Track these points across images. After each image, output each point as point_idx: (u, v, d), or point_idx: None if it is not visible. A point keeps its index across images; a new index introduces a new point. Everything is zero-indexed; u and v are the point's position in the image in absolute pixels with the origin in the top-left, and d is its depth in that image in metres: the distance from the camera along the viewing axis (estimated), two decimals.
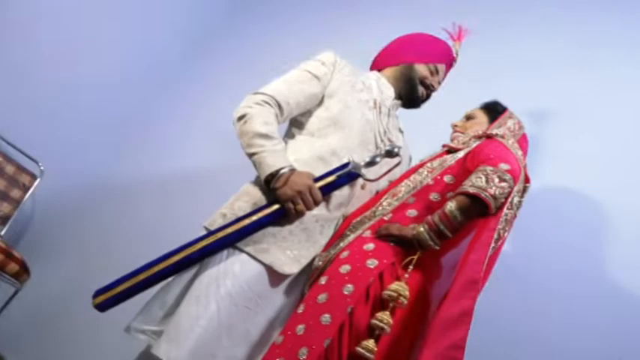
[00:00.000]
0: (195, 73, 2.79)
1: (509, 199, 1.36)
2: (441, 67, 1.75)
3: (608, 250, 2.03)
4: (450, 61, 1.78)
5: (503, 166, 1.36)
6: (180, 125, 2.74)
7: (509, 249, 2.04)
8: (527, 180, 1.45)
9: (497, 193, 1.33)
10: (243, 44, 2.80)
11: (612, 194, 2.08)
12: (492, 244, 1.33)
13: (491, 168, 1.36)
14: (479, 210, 1.36)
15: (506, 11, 2.44)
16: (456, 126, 1.72)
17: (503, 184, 1.34)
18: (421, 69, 1.71)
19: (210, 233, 1.44)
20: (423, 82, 1.71)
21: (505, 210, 1.36)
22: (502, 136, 1.53)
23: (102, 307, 1.39)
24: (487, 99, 1.80)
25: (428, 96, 1.76)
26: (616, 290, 1.97)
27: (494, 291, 1.83)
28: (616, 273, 1.99)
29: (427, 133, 1.83)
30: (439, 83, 1.77)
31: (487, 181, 1.34)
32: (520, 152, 1.51)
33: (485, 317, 1.90)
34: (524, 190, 1.45)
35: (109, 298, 1.39)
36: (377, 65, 1.80)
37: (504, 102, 1.77)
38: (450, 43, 1.80)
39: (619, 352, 1.89)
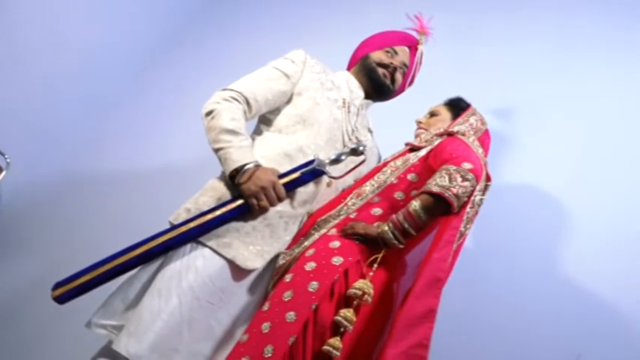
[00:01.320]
0: (168, 68, 2.77)
1: (472, 198, 1.39)
2: (401, 48, 1.78)
3: (569, 248, 2.08)
4: (411, 44, 1.81)
5: (466, 165, 1.39)
6: (150, 120, 2.72)
7: (472, 246, 2.09)
8: (488, 178, 1.48)
9: (460, 192, 1.36)
10: (217, 41, 2.79)
11: (575, 193, 2.13)
12: (455, 243, 1.36)
13: (454, 167, 1.38)
14: (442, 209, 1.38)
15: (476, 11, 2.48)
16: (420, 122, 1.74)
17: (466, 183, 1.36)
18: (377, 54, 1.75)
19: (173, 227, 1.44)
20: (380, 64, 1.74)
21: (467, 209, 1.39)
22: (463, 134, 1.56)
23: (61, 299, 1.38)
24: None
25: (392, 76, 1.76)
26: (577, 288, 2.02)
27: (457, 287, 1.88)
28: (577, 271, 2.04)
29: (398, 132, 1.86)
30: (404, 64, 1.78)
31: (450, 180, 1.36)
32: (481, 150, 1.54)
33: (449, 314, 1.94)
34: (486, 188, 1.48)
35: (69, 290, 1.37)
36: (348, 67, 1.84)
37: (473, 100, 1.79)
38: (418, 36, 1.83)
39: (578, 348, 1.94)
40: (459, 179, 1.36)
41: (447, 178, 1.36)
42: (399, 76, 1.78)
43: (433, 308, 1.27)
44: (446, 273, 1.34)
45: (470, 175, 1.37)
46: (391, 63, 1.74)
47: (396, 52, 1.76)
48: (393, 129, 1.87)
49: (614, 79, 2.28)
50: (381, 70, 1.74)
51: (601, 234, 2.04)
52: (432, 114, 1.74)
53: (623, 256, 2.00)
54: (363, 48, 1.80)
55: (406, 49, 1.79)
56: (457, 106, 1.73)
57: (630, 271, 1.97)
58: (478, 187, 1.40)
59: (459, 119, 1.67)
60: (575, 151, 2.20)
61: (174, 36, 2.92)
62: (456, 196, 1.35)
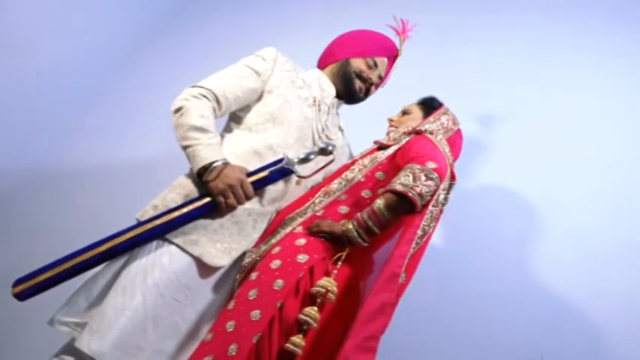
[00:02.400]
0: (141, 65, 2.74)
1: (435, 197, 1.41)
2: (381, 60, 1.76)
3: (538, 251, 2.11)
4: (392, 55, 1.79)
5: (431, 165, 1.40)
6: (123, 116, 2.69)
7: (442, 246, 2.11)
8: (453, 177, 1.49)
9: (423, 191, 1.37)
10: (192, 37, 2.77)
11: (548, 196, 2.17)
12: (416, 240, 1.37)
13: (418, 166, 1.39)
14: (406, 207, 1.39)
15: (454, 12, 2.49)
16: (391, 120, 1.75)
17: (430, 182, 1.38)
18: (357, 63, 1.73)
19: (140, 224, 1.44)
20: (360, 76, 1.73)
21: (430, 207, 1.40)
22: (431, 132, 1.57)
23: (21, 296, 1.36)
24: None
25: (368, 90, 1.76)
26: (542, 290, 2.05)
27: (425, 287, 1.90)
28: (543, 273, 2.07)
29: (373, 131, 1.86)
30: (380, 77, 1.77)
31: (414, 179, 1.37)
32: (448, 149, 1.55)
33: (416, 313, 1.97)
34: (450, 187, 1.49)
35: (30, 287, 1.36)
36: (319, 64, 1.82)
37: (447, 101, 1.81)
38: (397, 39, 1.81)
39: (542, 349, 1.97)
40: (423, 178, 1.37)
41: (411, 177, 1.37)
42: (372, 90, 1.78)
43: (388, 302, 1.28)
44: (407, 269, 1.35)
45: (434, 175, 1.38)
46: (369, 78, 1.74)
47: (375, 65, 1.74)
48: (369, 127, 1.87)
49: (590, 82, 2.32)
50: (358, 83, 1.73)
51: (570, 237, 2.08)
52: (404, 112, 1.75)
53: (589, 258, 2.04)
54: (344, 49, 1.76)
55: (385, 60, 1.78)
56: (429, 105, 1.73)
57: (594, 273, 2.01)
58: (442, 186, 1.42)
59: (430, 118, 1.68)
60: (549, 154, 2.23)
61: (151, 33, 2.89)
62: (420, 195, 1.36)
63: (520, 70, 2.38)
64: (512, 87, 2.35)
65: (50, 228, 2.53)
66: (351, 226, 1.41)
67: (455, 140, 1.70)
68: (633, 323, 1.94)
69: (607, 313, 1.98)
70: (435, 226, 1.47)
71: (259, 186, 1.49)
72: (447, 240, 2.12)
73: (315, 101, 1.67)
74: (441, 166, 1.41)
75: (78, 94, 2.75)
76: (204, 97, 1.54)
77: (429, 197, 1.39)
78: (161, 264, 1.43)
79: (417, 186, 1.36)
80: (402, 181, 1.38)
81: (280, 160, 1.49)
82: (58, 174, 2.69)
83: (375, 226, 1.39)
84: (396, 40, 1.80)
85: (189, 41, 2.73)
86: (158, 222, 1.42)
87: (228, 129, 1.66)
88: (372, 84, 1.75)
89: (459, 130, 1.73)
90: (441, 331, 2.03)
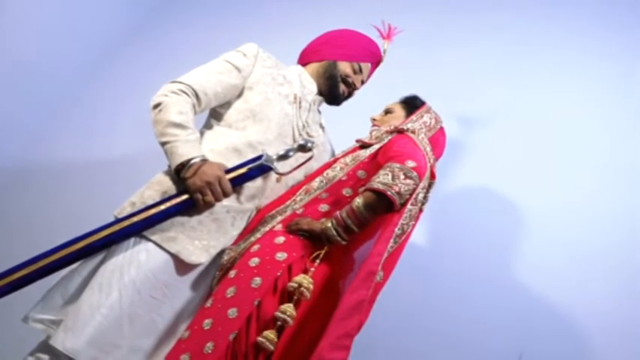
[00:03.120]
0: (123, 61, 2.72)
1: (414, 195, 1.40)
2: (366, 65, 1.76)
3: (518, 252, 2.12)
4: (376, 61, 1.79)
5: (410, 163, 1.39)
6: (106, 112, 2.66)
7: (422, 246, 2.11)
8: (432, 176, 1.49)
9: (402, 189, 1.36)
10: (172, 34, 2.75)
11: (527, 198, 2.17)
12: (394, 239, 1.37)
13: (398, 165, 1.39)
14: (385, 206, 1.39)
15: (439, 13, 2.49)
16: (374, 120, 1.75)
17: (409, 181, 1.37)
18: (344, 66, 1.72)
19: (117, 221, 1.43)
20: (344, 80, 1.73)
21: (409, 206, 1.39)
22: (413, 132, 1.56)
23: None
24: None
25: (350, 94, 1.77)
26: (521, 291, 2.06)
27: (403, 286, 1.90)
28: (523, 273, 2.08)
29: (356, 130, 1.86)
30: (362, 82, 1.78)
31: (393, 178, 1.37)
32: (429, 148, 1.55)
33: (394, 312, 1.98)
34: (430, 186, 1.49)
35: (5, 285, 1.34)
36: (301, 60, 1.81)
37: (432, 102, 1.81)
38: (379, 41, 1.81)
39: (520, 349, 1.99)
40: (402, 177, 1.37)
41: (390, 175, 1.37)
42: (354, 93, 1.78)
43: (364, 300, 1.27)
44: (384, 266, 1.35)
45: (413, 173, 1.38)
46: (354, 84, 1.74)
47: (360, 70, 1.74)
48: (352, 126, 1.86)
49: (574, 84, 2.32)
50: (342, 87, 1.73)
51: (551, 240, 2.09)
52: (387, 111, 1.75)
53: (569, 261, 2.05)
54: (331, 49, 1.74)
55: (369, 65, 1.77)
56: (411, 104, 1.73)
57: (574, 276, 2.02)
58: (421, 185, 1.41)
59: (412, 116, 1.67)
60: (532, 156, 2.24)
61: (133, 30, 2.86)
62: (398, 193, 1.36)
63: (503, 70, 2.38)
64: (495, 88, 2.35)
65: (30, 225, 2.51)
66: (329, 225, 1.41)
67: (438, 138, 1.70)
68: (612, 326, 1.96)
69: (586, 315, 1.99)
70: (414, 225, 1.47)
71: (237, 183, 1.48)
72: (426, 240, 2.13)
73: (295, 98, 1.66)
74: (421, 165, 1.41)
75: (59, 91, 2.72)
76: (184, 92, 1.53)
77: (408, 196, 1.39)
78: (138, 261, 1.42)
79: (396, 185, 1.36)
80: (381, 180, 1.37)
81: (259, 157, 1.48)
82: (38, 171, 2.66)
83: (354, 225, 1.39)
84: (379, 41, 1.80)
85: (171, 39, 2.71)
86: (135, 219, 1.41)
87: (207, 125, 1.65)
88: (355, 89, 1.76)
89: (441, 129, 1.73)
90: (420, 330, 2.03)
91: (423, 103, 1.73)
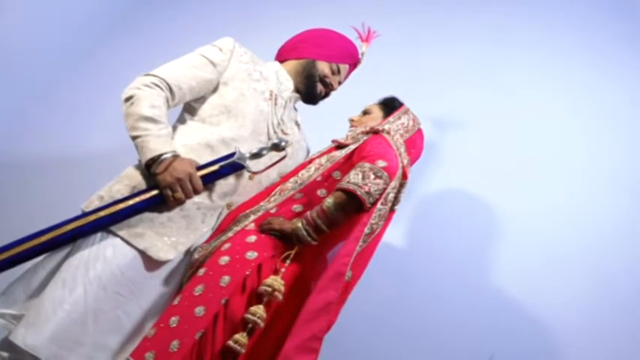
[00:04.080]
0: (105, 54, 2.66)
1: (384, 195, 1.41)
2: (344, 67, 1.75)
3: (492, 254, 2.15)
4: (354, 62, 1.79)
5: (380, 163, 1.40)
6: (86, 105, 2.60)
7: (396, 246, 2.12)
8: (404, 177, 1.49)
9: (372, 189, 1.37)
10: (156, 27, 2.69)
11: (503, 201, 2.20)
12: (363, 238, 1.37)
13: (368, 165, 1.39)
14: (355, 206, 1.39)
15: (417, 15, 2.49)
16: (352, 120, 1.74)
17: (379, 180, 1.38)
18: (323, 67, 1.71)
19: (84, 215, 1.40)
20: (322, 80, 1.72)
21: (379, 205, 1.40)
22: (388, 132, 1.56)
23: None
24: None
25: (327, 94, 1.76)
26: (493, 291, 2.10)
27: (376, 287, 1.91)
28: (497, 275, 2.12)
29: (334, 130, 1.85)
30: (339, 83, 1.77)
31: (363, 178, 1.37)
32: (403, 149, 1.55)
33: (367, 313, 1.98)
34: (402, 186, 1.49)
35: None
36: (280, 56, 1.79)
37: (409, 103, 1.80)
38: (358, 43, 1.80)
39: (492, 350, 2.02)
40: (372, 176, 1.37)
41: (360, 175, 1.38)
42: (330, 94, 1.78)
43: (332, 301, 1.28)
44: (354, 266, 1.35)
45: (383, 173, 1.38)
46: (331, 84, 1.73)
47: (339, 71, 1.74)
48: (329, 126, 1.85)
49: (551, 87, 2.35)
50: (320, 87, 1.72)
51: (525, 243, 2.12)
52: (365, 112, 1.74)
53: (542, 264, 2.09)
54: (311, 48, 1.73)
55: (347, 67, 1.77)
56: (389, 105, 1.72)
57: (547, 279, 2.07)
58: (392, 185, 1.42)
59: (390, 118, 1.67)
60: (509, 158, 2.26)
61: (112, 23, 2.80)
62: (368, 193, 1.36)
63: (480, 73, 2.39)
64: (472, 90, 2.36)
65: (7, 219, 2.45)
66: (300, 225, 1.40)
67: (415, 140, 1.70)
68: (583, 328, 2.01)
69: (557, 316, 2.04)
70: (385, 226, 1.47)
71: (209, 180, 1.46)
72: (401, 241, 2.14)
73: (271, 95, 1.64)
74: (391, 165, 1.41)
75: (39, 83, 2.65)
76: (157, 86, 1.50)
77: (378, 195, 1.39)
78: (104, 256, 1.39)
79: (366, 184, 1.36)
80: (351, 180, 1.38)
81: (232, 155, 1.47)
82: (15, 165, 2.59)
83: (324, 225, 1.39)
84: (357, 43, 1.80)
85: (155, 32, 2.66)
86: (103, 213, 1.38)
87: (181, 120, 1.62)
88: (332, 89, 1.75)
89: (419, 130, 1.73)
90: (393, 331, 2.05)
91: (401, 105, 1.73)
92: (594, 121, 2.29)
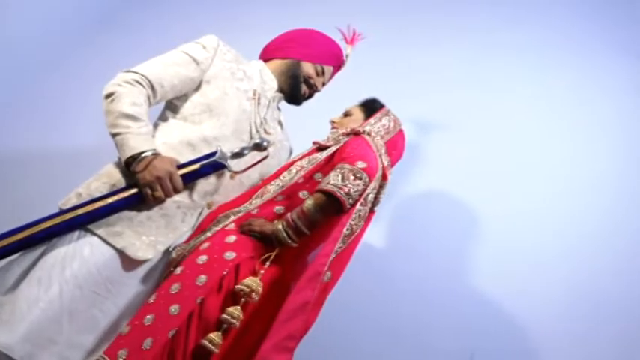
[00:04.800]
0: (90, 54, 2.63)
1: (364, 196, 1.41)
2: (328, 68, 1.75)
3: (473, 256, 2.17)
4: (338, 64, 1.79)
5: (360, 165, 1.40)
6: (72, 101, 2.57)
7: (378, 246, 2.13)
8: (384, 178, 1.49)
9: (351, 190, 1.37)
10: (145, 23, 2.66)
11: (485, 203, 2.21)
12: (342, 239, 1.37)
13: (348, 166, 1.40)
14: (335, 207, 1.39)
15: (401, 16, 2.49)
16: (333, 122, 1.74)
17: (358, 182, 1.38)
18: (307, 67, 1.70)
19: (61, 213, 1.38)
20: (306, 81, 1.71)
21: (358, 206, 1.40)
22: (369, 134, 1.57)
23: None
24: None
25: (310, 95, 1.75)
26: (474, 292, 2.11)
27: (358, 286, 1.91)
28: (477, 277, 2.14)
29: (316, 131, 1.84)
30: (323, 84, 1.77)
31: (343, 179, 1.38)
32: (384, 150, 1.55)
33: (348, 312, 1.99)
34: (381, 187, 1.49)
35: None
36: (264, 55, 1.77)
37: (391, 104, 1.81)
38: (343, 45, 1.80)
39: (472, 349, 2.03)
40: (352, 178, 1.37)
41: (340, 176, 1.38)
42: (314, 95, 1.77)
43: (308, 300, 1.28)
44: (332, 267, 1.35)
45: (362, 174, 1.38)
46: (315, 85, 1.72)
47: (323, 72, 1.73)
48: (311, 128, 1.85)
49: (534, 91, 2.36)
50: (303, 87, 1.71)
51: (506, 246, 2.14)
52: (346, 114, 1.74)
53: (522, 267, 2.12)
54: (296, 48, 1.72)
55: (332, 69, 1.76)
56: (370, 107, 1.72)
57: (527, 282, 2.09)
58: (372, 186, 1.42)
59: (371, 119, 1.67)
60: (491, 161, 2.28)
61: (100, 18, 2.76)
62: (348, 194, 1.36)
63: (464, 75, 2.40)
64: (456, 92, 2.37)
65: None
66: (280, 227, 1.40)
67: (397, 142, 1.70)
68: (562, 330, 2.04)
69: (535, 317, 2.06)
70: (364, 227, 1.47)
71: (190, 179, 1.45)
72: (383, 242, 2.15)
73: (254, 94, 1.63)
74: (371, 166, 1.41)
75: (24, 78, 2.61)
76: (139, 83, 1.48)
77: (358, 196, 1.39)
78: (81, 255, 1.38)
79: (346, 186, 1.37)
80: (331, 181, 1.38)
81: (213, 154, 1.46)
82: None
83: (304, 226, 1.39)
84: (342, 44, 1.79)
85: (144, 28, 2.63)
86: (80, 211, 1.37)
87: (163, 117, 1.61)
88: (316, 90, 1.75)
89: (400, 132, 1.73)
90: (375, 330, 2.06)
91: (382, 106, 1.73)
92: (577, 126, 2.31)
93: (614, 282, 2.07)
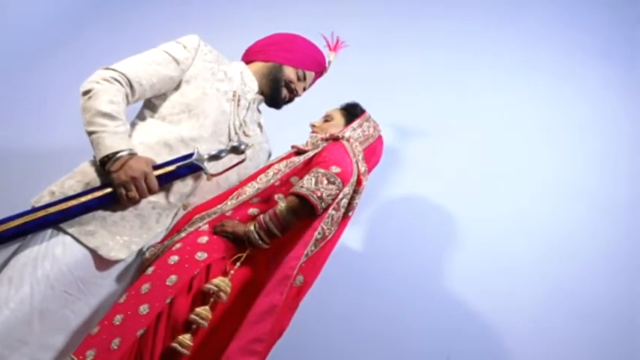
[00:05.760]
0: (72, 51, 2.59)
1: (337, 201, 1.41)
2: (310, 74, 1.75)
3: (450, 260, 2.18)
4: (320, 70, 1.79)
5: (334, 169, 1.40)
6: (52, 100, 2.53)
7: (355, 249, 2.14)
8: (359, 183, 1.49)
9: (324, 194, 1.37)
10: (124, 25, 2.64)
11: (462, 208, 2.23)
12: (314, 242, 1.38)
13: (322, 170, 1.40)
14: (307, 210, 1.39)
15: (383, 21, 2.49)
16: (314, 126, 1.74)
17: (331, 186, 1.38)
18: (289, 72, 1.70)
19: (32, 210, 1.36)
20: (287, 85, 1.71)
21: (331, 210, 1.40)
22: (347, 140, 1.57)
23: None
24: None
25: (290, 99, 1.75)
26: (451, 295, 2.13)
27: (335, 288, 1.92)
28: (454, 280, 2.15)
29: (297, 135, 1.84)
30: (304, 89, 1.77)
31: (316, 183, 1.38)
32: (361, 156, 1.55)
33: (325, 314, 1.99)
34: (356, 192, 1.49)
35: None
36: (246, 57, 1.76)
37: (372, 109, 1.80)
38: (326, 52, 1.80)
39: (448, 351, 2.05)
40: (325, 182, 1.37)
41: (313, 180, 1.38)
42: (294, 99, 1.77)
43: (276, 304, 1.29)
44: (305, 270, 1.36)
45: (336, 179, 1.39)
46: (296, 90, 1.72)
47: (304, 78, 1.73)
48: (293, 132, 1.84)
49: (513, 97, 2.38)
50: (284, 92, 1.71)
51: (482, 250, 2.16)
52: (327, 119, 1.74)
53: (498, 271, 2.12)
54: (278, 52, 1.72)
55: (313, 74, 1.76)
56: (351, 113, 1.72)
57: (502, 286, 2.10)
58: (345, 191, 1.42)
59: (352, 124, 1.67)
60: (469, 167, 2.29)
61: (80, 15, 2.72)
62: (320, 198, 1.36)
63: (445, 80, 2.41)
64: (434, 97, 2.38)
65: None
66: (252, 228, 1.40)
67: (375, 147, 1.70)
68: (537, 333, 2.06)
69: (512, 322, 2.08)
70: (338, 232, 1.48)
71: (165, 181, 1.44)
72: (362, 244, 2.15)
73: (234, 95, 1.62)
74: (345, 171, 1.42)
75: (2, 77, 2.57)
76: (117, 81, 1.47)
77: (330, 201, 1.40)
78: (53, 255, 1.36)
79: (319, 190, 1.37)
80: (304, 185, 1.38)
81: (190, 155, 1.45)
82: None
83: (276, 228, 1.39)
84: (324, 51, 1.80)
85: (127, 25, 2.60)
86: (52, 210, 1.35)
87: (141, 116, 1.59)
88: (296, 95, 1.74)
89: (379, 137, 1.73)
90: (352, 331, 2.07)
91: (363, 111, 1.73)
92: (555, 130, 2.33)
93: (590, 285, 2.09)
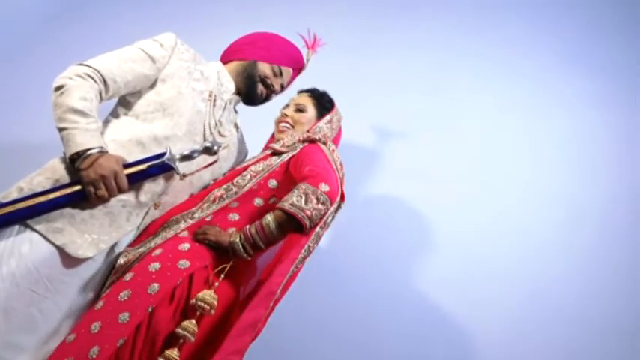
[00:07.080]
0: (48, 47, 2.56)
1: (324, 219, 1.41)
2: (286, 70, 1.74)
3: (424, 265, 2.18)
4: (298, 66, 1.78)
5: (323, 187, 1.38)
6: (27, 97, 2.51)
7: (329, 251, 2.13)
8: (342, 198, 1.49)
9: (313, 214, 1.36)
10: (101, 22, 2.62)
11: (439, 212, 2.23)
12: (299, 259, 1.38)
13: (312, 188, 1.37)
14: (294, 227, 1.38)
15: (362, 21, 2.49)
16: (285, 115, 1.72)
17: (321, 206, 1.37)
18: (264, 67, 1.70)
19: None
20: (263, 81, 1.70)
21: (318, 229, 1.40)
22: (324, 143, 1.57)
23: None
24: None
25: (268, 95, 1.75)
26: (423, 300, 2.13)
27: (313, 291, 1.91)
28: (427, 283, 2.15)
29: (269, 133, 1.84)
30: (282, 86, 1.76)
31: (306, 202, 1.35)
32: (339, 162, 1.55)
33: (303, 316, 1.99)
34: (339, 207, 1.49)
35: None
36: (223, 57, 1.76)
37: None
38: (304, 51, 1.81)
39: (421, 356, 2.05)
40: (314, 201, 1.36)
41: (303, 198, 1.36)
42: (273, 97, 1.77)
43: (259, 319, 1.28)
44: (279, 287, 1.34)
45: (326, 199, 1.37)
46: (272, 85, 1.72)
47: (281, 74, 1.73)
48: (268, 132, 1.84)
49: (490, 101, 2.39)
50: (260, 87, 1.70)
51: (458, 255, 2.16)
52: (299, 108, 1.73)
53: (473, 278, 2.12)
54: (253, 50, 1.72)
55: (291, 70, 1.76)
56: (323, 106, 1.74)
57: (476, 292, 2.10)
58: (332, 209, 1.42)
59: (324, 119, 1.70)
60: (447, 170, 2.29)
61: (61, 10, 2.70)
62: (309, 218, 1.35)
63: (423, 83, 2.41)
64: (414, 99, 2.38)
65: None
66: (237, 240, 1.39)
67: (339, 136, 1.78)
68: (511, 342, 2.06)
69: (486, 327, 2.09)
70: (315, 247, 1.46)
71: (136, 180, 1.42)
72: (336, 246, 2.15)
73: (210, 95, 1.61)
74: (333, 189, 1.40)
75: None
76: (90, 77, 1.45)
77: (318, 220, 1.39)
78: (19, 252, 1.34)
79: (308, 209, 1.35)
80: (294, 202, 1.36)
81: (162, 155, 1.43)
82: None
83: (262, 242, 1.38)
84: (303, 51, 1.80)
85: (100, 25, 2.58)
86: (20, 206, 1.33)
87: (114, 113, 1.58)
88: (273, 91, 1.74)
89: (340, 127, 1.79)
90: (326, 335, 2.07)
91: (333, 105, 1.76)
92: (536, 138, 2.34)
93: (567, 289, 2.10)
